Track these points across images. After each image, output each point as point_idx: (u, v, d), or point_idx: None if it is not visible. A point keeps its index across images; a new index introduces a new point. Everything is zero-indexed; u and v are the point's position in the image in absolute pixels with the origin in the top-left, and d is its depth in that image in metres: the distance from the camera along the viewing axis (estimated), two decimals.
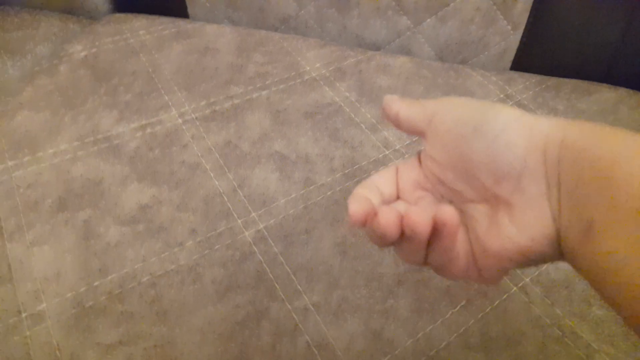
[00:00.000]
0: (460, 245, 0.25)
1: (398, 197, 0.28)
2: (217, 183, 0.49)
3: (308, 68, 0.63)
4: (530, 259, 0.23)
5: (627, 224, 0.18)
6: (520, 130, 0.22)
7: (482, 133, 0.23)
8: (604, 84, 0.63)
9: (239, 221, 0.46)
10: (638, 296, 0.17)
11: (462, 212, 0.26)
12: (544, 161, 0.22)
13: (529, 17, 0.62)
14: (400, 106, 0.27)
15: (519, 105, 0.60)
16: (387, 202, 0.27)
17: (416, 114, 0.26)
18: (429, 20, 0.66)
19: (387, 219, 0.22)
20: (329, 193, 0.49)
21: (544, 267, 0.45)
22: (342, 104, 0.58)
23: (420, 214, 0.22)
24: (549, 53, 0.64)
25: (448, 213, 0.22)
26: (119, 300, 0.40)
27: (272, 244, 0.44)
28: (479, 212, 0.24)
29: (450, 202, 0.27)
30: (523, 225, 0.22)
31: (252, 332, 0.39)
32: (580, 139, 0.21)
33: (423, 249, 0.24)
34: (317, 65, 0.63)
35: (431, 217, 0.22)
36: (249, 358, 0.38)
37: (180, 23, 0.70)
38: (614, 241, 0.18)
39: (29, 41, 0.68)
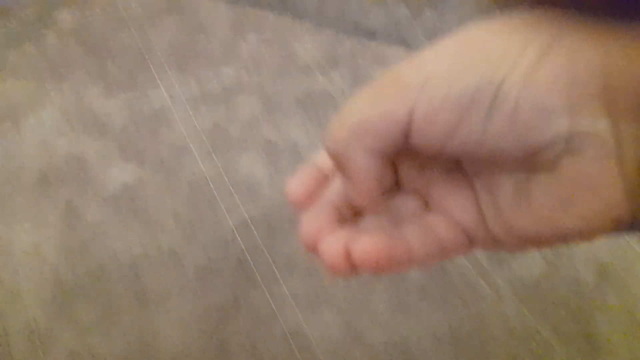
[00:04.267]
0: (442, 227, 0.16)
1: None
2: (203, 167, 0.48)
3: (302, 53, 0.62)
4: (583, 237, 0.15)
5: None
6: (553, 83, 0.13)
7: (489, 110, 0.13)
8: None
9: (223, 207, 0.46)
10: None
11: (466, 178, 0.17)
12: (610, 102, 0.13)
13: None
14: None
15: None
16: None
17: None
18: (428, 13, 0.65)
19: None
20: None
21: (517, 269, 0.46)
22: (334, 94, 0.57)
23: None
24: None
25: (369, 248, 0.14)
26: (98, 280, 0.40)
27: (255, 231, 0.45)
28: (502, 180, 0.16)
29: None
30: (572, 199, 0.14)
31: (229, 318, 0.40)
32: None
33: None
34: (312, 50, 0.63)
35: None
36: (226, 342, 0.39)
37: None
38: None
39: (12, 4, 0.66)
